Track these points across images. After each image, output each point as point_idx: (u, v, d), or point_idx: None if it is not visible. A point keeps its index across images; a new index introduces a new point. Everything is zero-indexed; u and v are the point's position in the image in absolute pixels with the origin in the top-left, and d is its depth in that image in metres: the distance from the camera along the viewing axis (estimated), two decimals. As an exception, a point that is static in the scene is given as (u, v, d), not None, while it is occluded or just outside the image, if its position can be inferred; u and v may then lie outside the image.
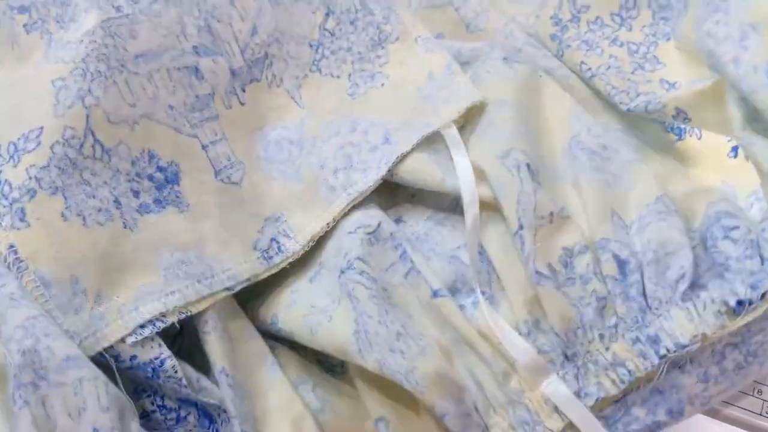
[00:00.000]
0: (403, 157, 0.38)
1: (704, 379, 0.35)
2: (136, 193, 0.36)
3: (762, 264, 0.33)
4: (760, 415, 0.39)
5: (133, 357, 0.33)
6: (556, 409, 0.33)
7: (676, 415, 0.35)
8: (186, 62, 0.38)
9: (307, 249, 0.38)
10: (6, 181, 0.34)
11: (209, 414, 0.34)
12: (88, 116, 0.35)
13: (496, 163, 0.35)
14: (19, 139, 0.34)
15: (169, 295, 0.34)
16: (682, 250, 0.33)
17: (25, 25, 0.39)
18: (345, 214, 0.38)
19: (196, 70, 0.38)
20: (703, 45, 0.36)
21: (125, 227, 0.35)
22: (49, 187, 0.34)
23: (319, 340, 0.34)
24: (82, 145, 0.35)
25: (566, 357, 0.34)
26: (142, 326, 0.33)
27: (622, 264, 0.34)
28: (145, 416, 0.34)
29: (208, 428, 0.34)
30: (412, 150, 0.38)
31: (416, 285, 0.35)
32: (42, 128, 0.34)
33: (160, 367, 0.33)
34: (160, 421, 0.34)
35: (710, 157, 0.38)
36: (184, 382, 0.33)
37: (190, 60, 0.38)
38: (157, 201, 0.37)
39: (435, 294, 0.35)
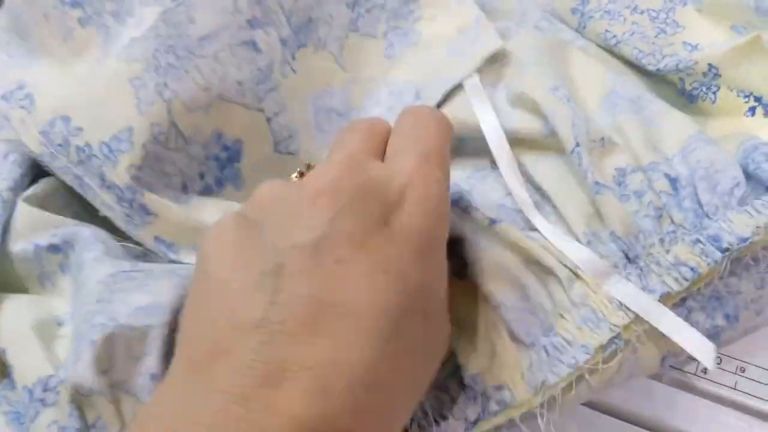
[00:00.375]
0: None
1: (759, 285, 0.38)
2: (201, 176, 0.39)
3: None
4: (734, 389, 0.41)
5: None
6: (620, 306, 0.34)
7: (732, 320, 0.38)
8: (244, 37, 0.39)
9: None
10: (113, 183, 0.36)
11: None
12: (169, 110, 0.37)
13: (548, 94, 0.38)
14: (111, 140, 0.36)
15: None
16: (733, 166, 0.36)
17: (79, 20, 0.40)
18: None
19: (254, 44, 0.39)
20: None
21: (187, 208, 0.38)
22: (145, 185, 0.36)
23: None
24: (167, 140, 0.37)
25: (628, 259, 0.35)
26: None
27: (673, 181, 0.36)
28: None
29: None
30: (441, 103, 0.41)
31: (474, 219, 0.38)
32: (131, 128, 0.36)
33: None
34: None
35: (727, 116, 0.41)
36: None
37: (247, 34, 0.39)
38: (217, 181, 0.40)
39: (493, 222, 0.37)
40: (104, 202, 0.36)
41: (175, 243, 0.37)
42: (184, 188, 0.38)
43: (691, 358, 0.35)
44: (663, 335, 0.35)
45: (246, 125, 0.40)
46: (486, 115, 0.39)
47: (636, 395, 0.41)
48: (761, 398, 0.41)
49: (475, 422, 0.34)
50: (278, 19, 0.40)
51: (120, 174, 0.36)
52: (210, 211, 0.38)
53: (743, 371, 0.41)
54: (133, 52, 0.37)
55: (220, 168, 0.39)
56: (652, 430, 0.41)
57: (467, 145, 0.41)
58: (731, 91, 0.40)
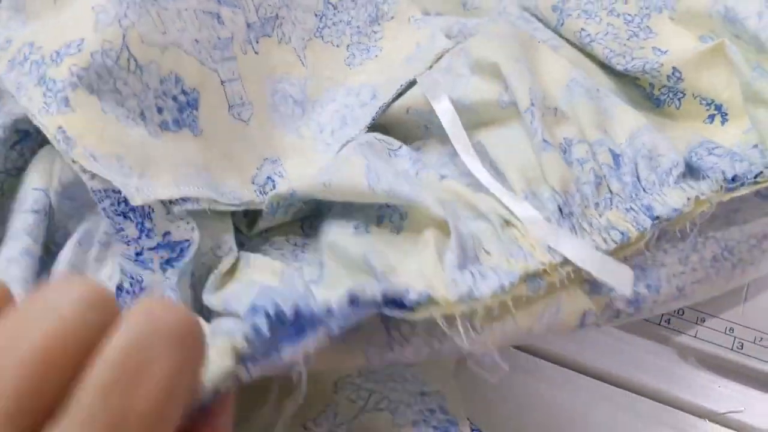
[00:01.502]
0: (385, 108, 0.43)
1: (684, 263, 0.38)
2: (160, 110, 0.39)
3: (751, 165, 0.36)
4: (731, 350, 0.43)
5: (167, 233, 0.35)
6: (549, 249, 0.34)
7: (653, 290, 0.37)
8: (210, 7, 0.41)
9: None
10: (50, 78, 0.36)
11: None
12: (124, 35, 0.38)
13: (510, 61, 0.39)
14: (62, 47, 0.37)
15: (200, 187, 0.36)
16: (674, 152, 0.37)
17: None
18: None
19: (218, 16, 0.42)
20: (719, 4, 0.41)
21: (150, 135, 0.37)
22: (87, 87, 0.36)
23: (333, 190, 0.37)
24: (118, 57, 0.37)
25: (562, 214, 0.35)
26: (183, 199, 0.35)
27: (616, 157, 0.37)
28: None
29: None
30: (394, 100, 0.43)
31: (426, 179, 0.38)
32: (83, 39, 0.37)
33: (187, 248, 0.35)
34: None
35: (688, 122, 0.42)
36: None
37: (213, 6, 0.42)
38: (175, 121, 0.39)
39: (442, 177, 0.37)
40: (30, 97, 0.36)
41: (77, 139, 0.34)
42: (142, 116, 0.38)
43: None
44: (586, 288, 0.35)
45: (202, 79, 0.40)
46: (441, 106, 0.41)
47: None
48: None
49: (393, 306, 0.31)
50: (246, 5, 0.43)
51: (61, 71, 0.36)
52: (160, 145, 0.37)
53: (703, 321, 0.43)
54: (100, -13, 0.39)
55: (179, 110, 0.39)
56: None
57: (432, 132, 0.42)
58: (695, 98, 0.42)
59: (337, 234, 0.37)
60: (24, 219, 0.37)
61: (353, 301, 0.29)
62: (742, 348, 0.43)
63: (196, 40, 0.40)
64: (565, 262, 0.34)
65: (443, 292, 0.32)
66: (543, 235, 0.34)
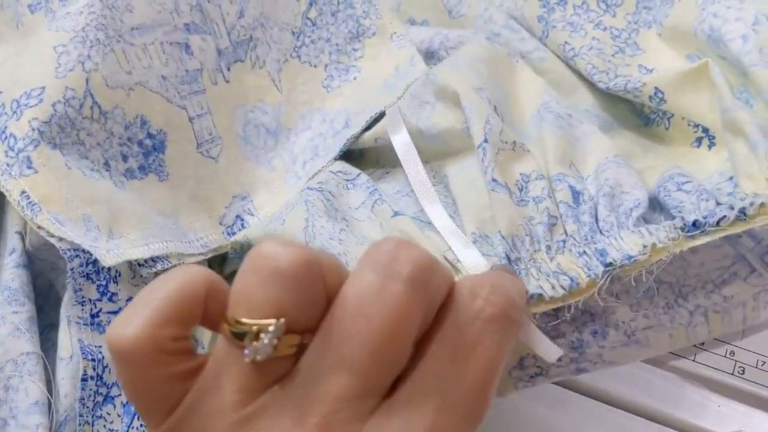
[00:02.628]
0: (356, 138, 0.42)
1: (634, 309, 0.37)
2: (125, 157, 0.38)
3: (717, 205, 0.34)
4: (732, 374, 0.42)
5: (130, 299, 0.35)
6: None
7: (599, 336, 0.37)
8: (177, 38, 0.40)
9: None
10: (11, 134, 0.35)
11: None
12: (87, 79, 0.37)
13: (470, 90, 0.38)
14: (21, 96, 0.36)
15: (167, 242, 0.36)
16: (638, 189, 0.35)
17: (29, 6, 0.41)
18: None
19: (187, 46, 0.40)
20: (705, 23, 0.38)
21: (115, 186, 0.37)
22: (49, 142, 0.36)
23: None
24: (81, 106, 0.37)
25: (509, 261, 0.34)
26: (153, 260, 0.35)
27: (576, 194, 0.35)
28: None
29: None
30: (363, 132, 0.42)
31: (380, 213, 0.37)
32: (44, 88, 0.36)
33: None
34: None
35: (677, 144, 0.40)
36: None
37: (182, 36, 0.40)
38: (141, 167, 0.39)
39: (395, 214, 0.36)
40: None
41: (41, 204, 0.34)
42: (107, 165, 0.37)
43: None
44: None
45: (168, 118, 0.39)
46: (399, 141, 0.39)
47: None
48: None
49: None
50: (218, 30, 0.41)
51: (21, 125, 0.35)
52: (126, 197, 0.37)
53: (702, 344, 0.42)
54: (64, 24, 0.38)
55: (145, 155, 0.39)
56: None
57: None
58: (683, 119, 0.40)
59: None
60: (19, 276, 0.37)
61: None
62: (743, 373, 0.42)
63: (163, 76, 0.39)
64: None
65: None
66: None
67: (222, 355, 0.23)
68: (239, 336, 0.22)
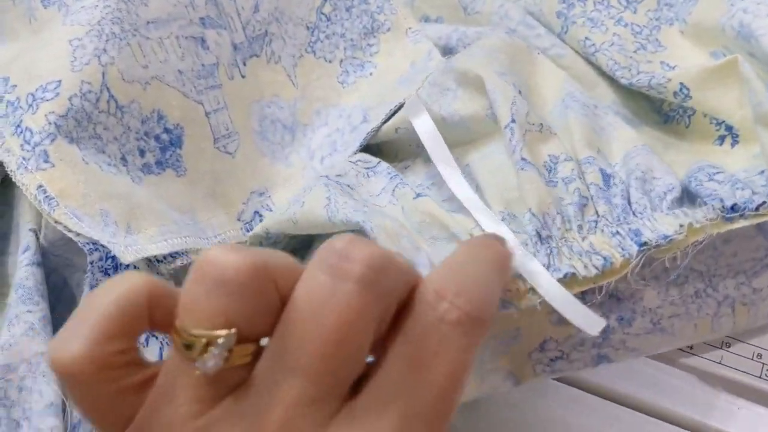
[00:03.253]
0: (375, 132, 0.41)
1: (662, 296, 0.36)
2: (142, 152, 0.37)
3: (753, 194, 0.33)
4: (760, 377, 0.41)
5: None
6: (520, 276, 0.32)
7: (625, 323, 0.36)
8: (193, 32, 0.40)
9: None
10: (27, 128, 0.35)
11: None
12: (104, 73, 0.36)
13: (494, 75, 0.37)
14: (37, 89, 0.35)
15: (186, 237, 0.35)
16: (670, 175, 0.35)
17: (42, 0, 0.41)
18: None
19: (203, 41, 0.40)
20: (734, 19, 0.38)
21: (132, 182, 0.36)
22: (66, 136, 0.35)
23: (300, 225, 0.36)
24: (98, 100, 0.36)
25: (540, 238, 0.33)
26: (172, 255, 0.34)
27: (606, 177, 0.34)
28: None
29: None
30: (383, 124, 0.41)
31: (402, 196, 0.36)
32: (60, 81, 0.36)
33: None
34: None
35: (697, 142, 0.39)
36: None
37: (197, 30, 0.40)
38: (158, 163, 0.38)
39: (417, 195, 0.36)
40: (7, 149, 0.35)
41: (58, 199, 0.34)
42: (124, 160, 0.37)
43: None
44: (549, 323, 0.34)
45: (185, 113, 0.39)
46: (421, 123, 0.38)
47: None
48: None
49: None
50: (233, 25, 0.41)
51: (38, 119, 0.35)
52: (143, 192, 0.36)
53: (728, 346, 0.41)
54: (79, 18, 0.37)
55: (162, 150, 0.38)
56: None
57: (422, 150, 0.39)
58: (705, 116, 0.39)
59: None
60: (33, 275, 0.37)
61: None
62: None
63: (180, 71, 0.39)
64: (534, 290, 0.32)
65: None
66: (516, 262, 0.32)
67: (174, 365, 0.22)
68: (189, 347, 0.21)
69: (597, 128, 0.37)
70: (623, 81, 0.41)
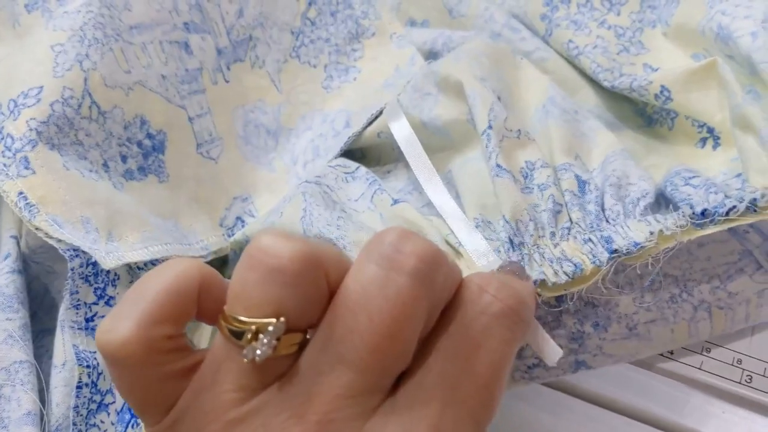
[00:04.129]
0: (357, 136, 0.41)
1: (638, 302, 0.37)
2: (124, 158, 0.37)
3: (726, 198, 0.33)
4: (740, 383, 0.41)
5: None
6: None
7: (601, 329, 0.36)
8: (177, 37, 0.40)
9: None
10: (8, 134, 0.34)
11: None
12: (86, 79, 0.36)
13: (474, 80, 0.37)
14: (18, 96, 0.35)
15: (167, 244, 0.35)
16: (645, 181, 0.35)
17: (26, 5, 0.41)
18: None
19: (186, 45, 0.40)
20: (713, 21, 0.38)
21: (114, 187, 0.36)
22: (47, 142, 0.35)
23: None
24: (80, 106, 0.36)
25: (512, 245, 0.33)
26: (153, 262, 0.34)
27: (582, 183, 0.35)
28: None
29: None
30: (364, 129, 0.41)
31: (380, 202, 0.36)
32: (42, 87, 0.35)
33: None
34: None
35: (680, 144, 0.40)
36: None
37: (181, 35, 0.40)
38: (140, 168, 0.38)
39: (395, 202, 0.36)
40: None
41: (39, 206, 0.33)
42: (106, 166, 0.37)
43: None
44: None
45: (168, 118, 0.39)
46: (401, 131, 0.39)
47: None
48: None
49: None
50: (217, 29, 0.41)
51: (19, 126, 0.35)
52: (125, 198, 0.36)
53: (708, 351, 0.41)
54: (62, 23, 0.37)
55: (144, 156, 0.38)
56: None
57: (403, 156, 0.40)
58: (687, 119, 0.39)
59: None
60: (13, 282, 0.36)
61: None
62: (750, 381, 0.41)
63: (163, 76, 0.39)
64: None
65: None
66: (486, 269, 0.33)
67: (219, 352, 0.22)
68: (237, 334, 0.21)
69: (577, 133, 0.37)
70: (606, 84, 0.41)
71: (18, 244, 0.37)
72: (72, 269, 0.33)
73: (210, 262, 0.40)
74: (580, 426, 0.41)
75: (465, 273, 0.31)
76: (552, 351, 0.31)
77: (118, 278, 0.34)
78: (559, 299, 0.34)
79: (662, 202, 0.36)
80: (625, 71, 0.41)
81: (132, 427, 0.32)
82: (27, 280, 0.37)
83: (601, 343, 0.37)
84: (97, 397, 0.33)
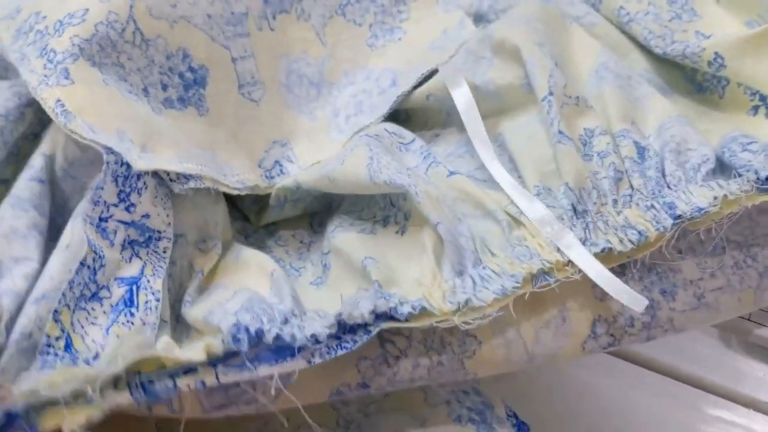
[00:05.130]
0: (405, 96, 0.41)
1: (701, 268, 0.36)
2: (165, 87, 0.37)
3: None
4: None
5: (146, 215, 0.33)
6: (558, 249, 0.32)
7: (669, 296, 0.35)
8: (225, -21, 0.40)
9: None
10: (52, 49, 0.35)
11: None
12: (131, 6, 0.37)
13: (532, 45, 0.37)
14: (64, 17, 0.36)
15: (203, 165, 0.34)
16: (705, 146, 0.34)
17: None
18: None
19: (233, -11, 0.40)
20: None
21: (153, 111, 0.36)
22: (89, 59, 0.35)
23: (337, 183, 0.36)
24: (123, 30, 0.36)
25: (576, 213, 0.33)
26: (186, 177, 0.33)
27: (641, 150, 0.35)
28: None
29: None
30: (415, 88, 0.41)
31: (435, 175, 0.36)
32: (87, 9, 0.36)
33: (155, 240, 0.34)
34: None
35: (730, 112, 0.39)
36: None
37: (229, -22, 0.40)
38: (180, 99, 0.38)
39: (451, 173, 0.35)
40: (32, 69, 0.35)
41: (75, 113, 0.33)
42: (145, 91, 0.36)
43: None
44: (593, 297, 0.33)
45: (211, 55, 0.39)
46: (460, 95, 0.39)
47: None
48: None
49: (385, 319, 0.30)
50: (265, -21, 0.41)
51: (62, 41, 0.35)
52: (163, 122, 0.36)
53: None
54: (111, -44, 0.38)
55: (185, 87, 0.38)
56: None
57: (453, 119, 0.40)
58: (739, 86, 0.39)
59: (342, 239, 0.36)
60: (30, 188, 0.36)
61: (342, 326, 0.29)
62: None
63: (209, 15, 0.39)
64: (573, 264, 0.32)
65: (439, 303, 0.30)
66: (553, 236, 0.32)
67: None
68: None
69: (631, 99, 0.37)
70: (657, 50, 0.41)
71: (47, 161, 0.36)
72: (107, 163, 0.32)
73: (246, 212, 0.39)
74: (619, 383, 0.41)
75: (529, 240, 0.32)
76: (636, 299, 0.31)
77: (147, 188, 0.33)
78: (623, 267, 0.34)
79: (718, 169, 0.35)
80: (677, 38, 0.41)
81: (125, 315, 0.31)
82: (62, 198, 0.36)
83: (672, 315, 0.36)
84: (93, 286, 0.31)
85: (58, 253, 0.31)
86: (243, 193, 0.37)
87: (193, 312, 0.32)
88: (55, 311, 0.28)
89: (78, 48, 0.35)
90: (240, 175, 0.37)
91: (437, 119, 0.42)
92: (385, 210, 0.36)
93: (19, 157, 0.37)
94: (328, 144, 0.40)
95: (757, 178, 0.33)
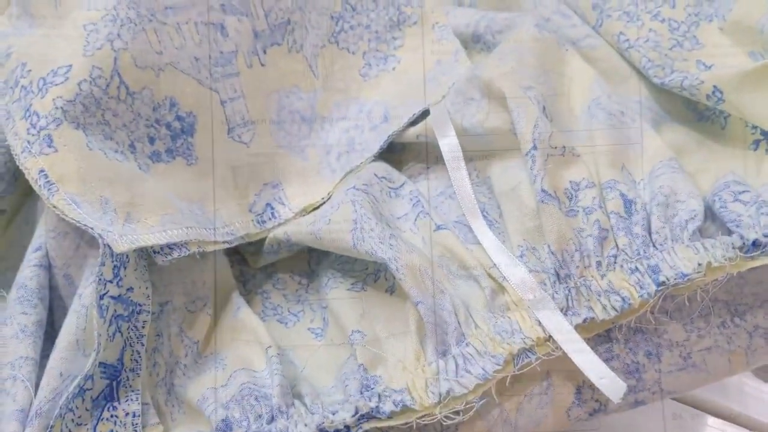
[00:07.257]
0: (396, 135, 0.40)
1: (688, 329, 0.35)
2: (152, 140, 0.37)
3: None
4: None
5: (130, 288, 0.34)
6: (539, 322, 0.32)
7: (654, 358, 0.35)
8: (213, 18, 0.39)
9: (299, 217, 0.39)
10: (35, 112, 0.34)
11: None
12: (115, 59, 0.36)
13: (519, 90, 0.36)
14: (48, 74, 0.35)
15: (188, 228, 0.34)
16: (695, 198, 0.34)
17: (66, -14, 0.40)
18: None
19: (222, 27, 0.39)
20: None
21: (140, 169, 0.36)
22: (73, 121, 0.34)
23: (323, 243, 0.36)
24: (108, 85, 0.35)
25: (558, 278, 0.33)
26: (170, 247, 0.33)
27: (628, 203, 0.34)
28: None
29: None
30: (406, 127, 0.40)
31: (423, 226, 0.36)
32: (71, 66, 0.35)
33: (137, 313, 0.34)
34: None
35: (730, 143, 0.38)
36: None
37: (217, 16, 0.39)
38: (168, 150, 0.37)
39: (438, 228, 0.35)
40: (16, 132, 0.34)
41: (58, 184, 0.33)
42: (132, 147, 0.36)
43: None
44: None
45: (199, 101, 0.38)
46: (447, 146, 0.38)
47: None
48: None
49: (367, 419, 0.31)
50: (255, 12, 0.40)
51: (45, 104, 0.34)
52: (149, 180, 0.36)
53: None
54: (97, 3, 0.37)
55: (173, 138, 0.37)
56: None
57: (443, 158, 0.39)
58: (740, 119, 0.38)
59: (334, 298, 0.36)
60: (38, 277, 0.36)
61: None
62: None
63: (196, 57, 0.38)
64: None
65: (421, 395, 0.31)
66: (534, 306, 0.32)
67: None
68: None
69: (623, 139, 0.36)
70: (656, 80, 0.40)
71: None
72: (105, 245, 0.32)
73: (243, 254, 0.39)
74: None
75: (511, 308, 0.32)
76: (615, 388, 0.31)
77: (129, 261, 0.34)
78: (609, 331, 0.34)
79: (709, 214, 0.35)
80: (677, 67, 0.40)
81: (108, 410, 0.32)
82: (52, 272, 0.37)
83: (658, 376, 0.36)
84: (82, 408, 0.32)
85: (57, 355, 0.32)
86: (233, 244, 0.37)
87: (187, 391, 0.33)
88: (51, 426, 0.30)
89: (61, 111, 0.34)
90: (229, 226, 0.37)
91: (430, 155, 0.41)
92: (376, 265, 0.36)
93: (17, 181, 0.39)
94: (319, 184, 0.40)
95: (743, 244, 0.33)
